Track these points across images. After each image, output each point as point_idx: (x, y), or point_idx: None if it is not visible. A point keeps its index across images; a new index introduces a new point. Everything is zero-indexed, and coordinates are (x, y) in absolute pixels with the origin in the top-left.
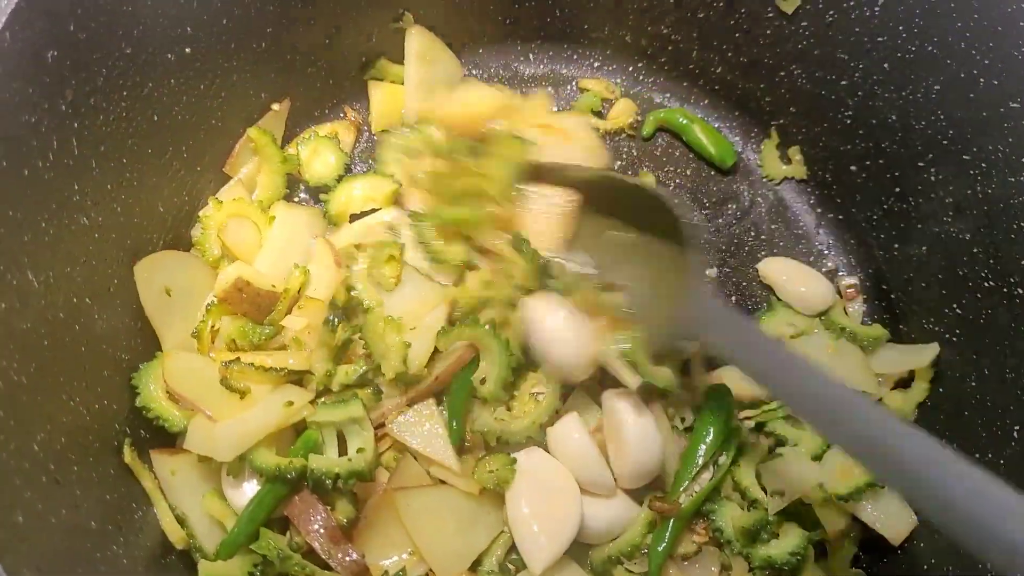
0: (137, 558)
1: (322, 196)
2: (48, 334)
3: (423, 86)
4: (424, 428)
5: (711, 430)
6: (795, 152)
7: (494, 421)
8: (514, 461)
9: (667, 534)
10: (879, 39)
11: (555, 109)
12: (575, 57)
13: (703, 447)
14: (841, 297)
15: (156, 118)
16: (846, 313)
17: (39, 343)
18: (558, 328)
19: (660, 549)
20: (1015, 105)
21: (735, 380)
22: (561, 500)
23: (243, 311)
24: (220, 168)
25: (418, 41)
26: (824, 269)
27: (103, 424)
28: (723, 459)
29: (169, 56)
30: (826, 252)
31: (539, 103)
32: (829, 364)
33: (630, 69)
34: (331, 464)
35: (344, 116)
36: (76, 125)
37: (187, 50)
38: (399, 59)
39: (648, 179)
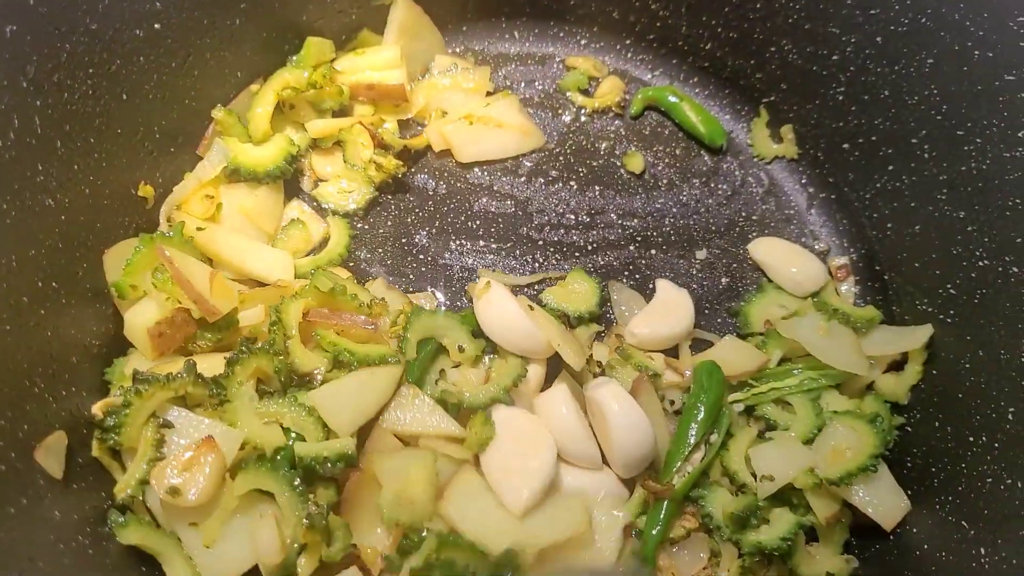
0: (106, 550)
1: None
2: (10, 319)
3: (403, 59)
4: (415, 408)
5: (701, 408)
6: (787, 131)
7: (454, 388)
8: (489, 416)
9: (661, 516)
10: (871, 12)
11: (491, 89)
12: (561, 35)
13: (694, 426)
14: (832, 278)
15: (125, 96)
16: (838, 294)
17: (0, 328)
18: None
19: (654, 533)
20: (1010, 78)
21: (725, 358)
22: (534, 447)
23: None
24: (195, 149)
25: (403, 13)
26: (816, 249)
27: (71, 412)
28: (714, 438)
29: (137, 32)
30: (818, 232)
31: (479, 79)
32: (821, 346)
33: (617, 46)
34: (319, 449)
35: None
36: (38, 103)
37: (156, 26)
38: (382, 31)
39: (635, 160)
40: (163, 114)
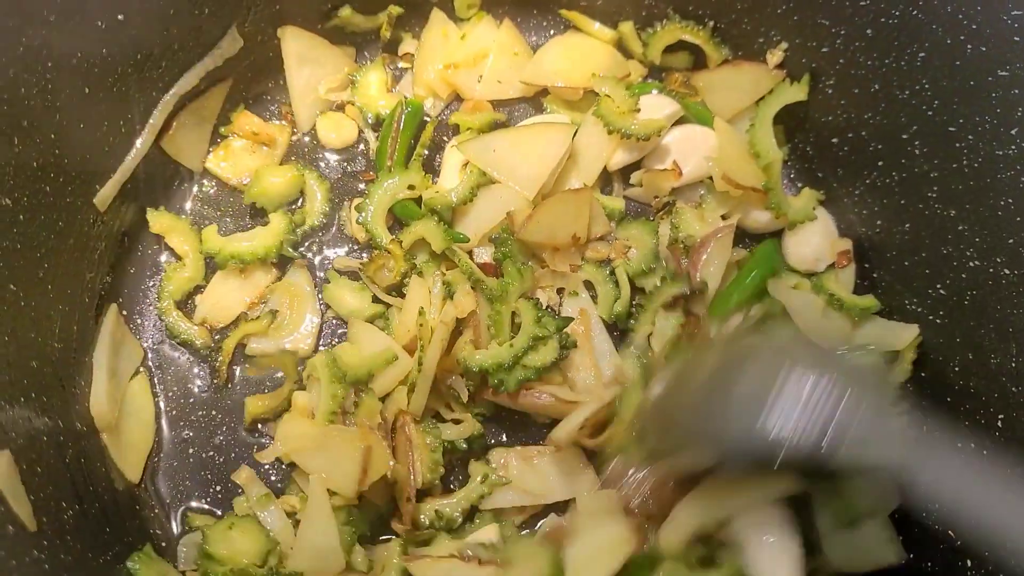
0: (64, 564)
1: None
2: None
3: None
4: None
5: (754, 275)
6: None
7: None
8: None
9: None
10: (861, 3)
11: None
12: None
13: (739, 291)
14: (833, 267)
15: (87, 90)
16: (837, 281)
17: None
18: None
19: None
20: (1003, 73)
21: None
22: None
23: None
24: (159, 142)
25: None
26: None
27: (30, 426)
28: (754, 311)
29: (99, 23)
30: None
31: None
32: (810, 322)
33: None
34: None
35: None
36: None
37: (119, 17)
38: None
39: None
40: (127, 108)
